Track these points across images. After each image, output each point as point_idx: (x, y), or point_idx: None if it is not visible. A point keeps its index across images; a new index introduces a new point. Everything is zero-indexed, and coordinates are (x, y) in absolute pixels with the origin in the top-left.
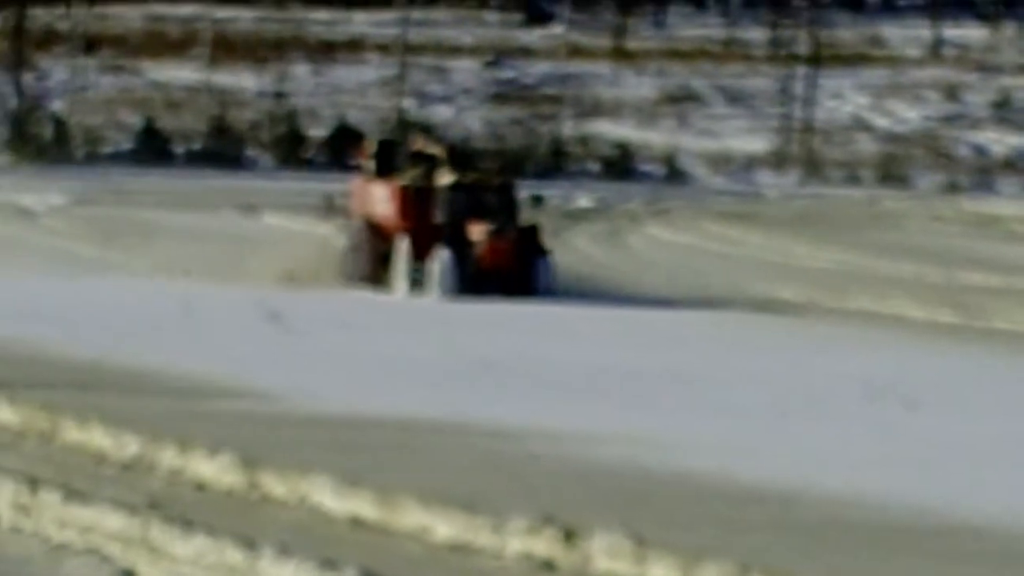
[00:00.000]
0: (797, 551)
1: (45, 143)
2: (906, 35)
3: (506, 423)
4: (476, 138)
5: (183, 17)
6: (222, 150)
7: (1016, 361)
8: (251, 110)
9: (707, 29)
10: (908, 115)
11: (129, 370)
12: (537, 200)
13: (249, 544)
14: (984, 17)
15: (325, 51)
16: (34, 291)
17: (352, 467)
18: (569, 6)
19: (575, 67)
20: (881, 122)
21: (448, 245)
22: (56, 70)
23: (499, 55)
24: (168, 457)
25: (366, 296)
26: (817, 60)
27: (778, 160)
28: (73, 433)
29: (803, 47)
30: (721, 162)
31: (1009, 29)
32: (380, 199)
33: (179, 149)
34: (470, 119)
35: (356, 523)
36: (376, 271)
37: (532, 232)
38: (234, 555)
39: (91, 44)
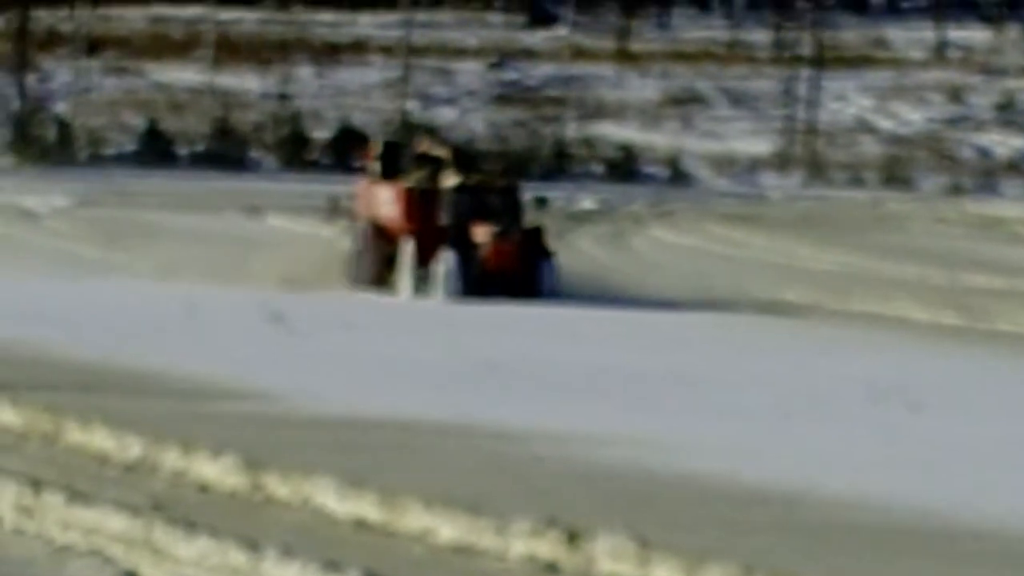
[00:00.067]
0: (801, 553)
1: (48, 145)
2: (910, 37)
3: (510, 425)
4: (480, 140)
5: (187, 19)
6: (226, 152)
7: (1019, 363)
8: (255, 112)
9: (711, 31)
10: (912, 117)
11: (132, 372)
12: (541, 202)
13: (252, 546)
14: (988, 19)
15: (329, 53)
16: (37, 293)
17: (355, 469)
18: (573, 8)
19: (579, 69)
20: (885, 124)
21: (453, 247)
22: (59, 72)
23: (503, 57)
24: (171, 458)
25: (370, 298)
26: (821, 62)
27: (782, 162)
28: (76, 435)
29: (807, 49)
30: (725, 164)
31: (1013, 31)
32: (385, 201)
33: (183, 151)
34: (474, 121)
35: (359, 525)
36: (381, 273)
37: (537, 234)
38: (237, 557)
39: (94, 46)
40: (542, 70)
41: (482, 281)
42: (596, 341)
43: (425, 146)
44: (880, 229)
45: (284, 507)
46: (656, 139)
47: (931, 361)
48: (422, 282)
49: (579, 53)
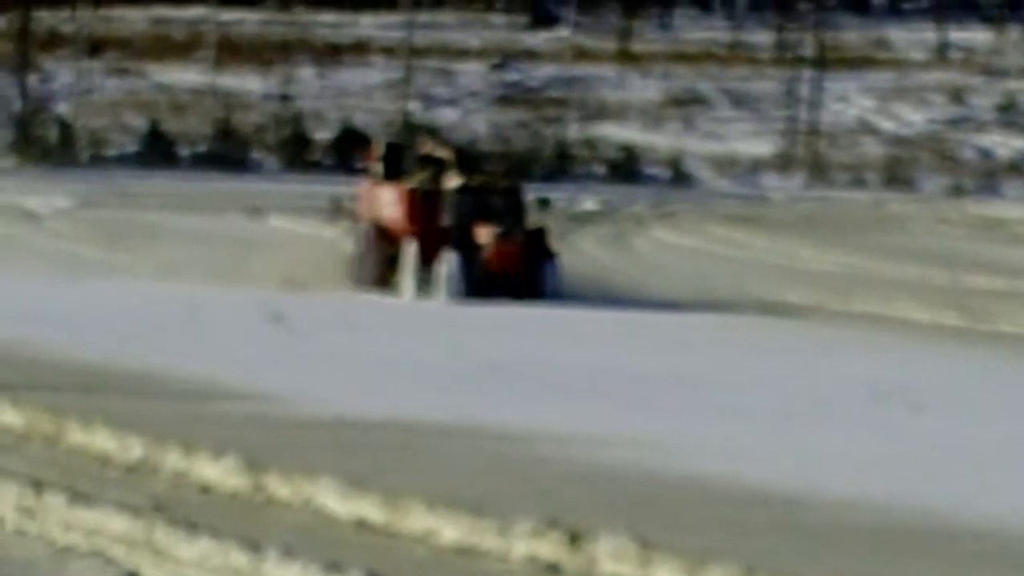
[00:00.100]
0: (803, 554)
1: (50, 145)
2: (911, 38)
3: (513, 426)
4: (482, 141)
5: (188, 20)
6: (227, 153)
7: (1021, 364)
8: (256, 113)
9: (712, 32)
10: (913, 118)
11: (134, 373)
12: (544, 203)
13: (254, 546)
14: (989, 20)
15: (331, 54)
16: (38, 294)
17: (357, 469)
18: (575, 9)
19: (580, 70)
20: (886, 125)
21: (455, 248)
22: (61, 72)
23: (505, 58)
24: (173, 459)
25: (373, 299)
26: (822, 63)
27: (783, 163)
28: (77, 435)
29: (809, 50)
30: (726, 165)
31: (1014, 32)
32: (388, 202)
33: (184, 152)
34: (476, 122)
35: (361, 526)
36: (384, 274)
37: (539, 235)
38: (239, 557)
39: (96, 46)
40: (544, 71)
41: (485, 282)
42: (598, 342)
43: (428, 147)
44: (882, 230)
45: (286, 508)
46: (658, 140)
47: (933, 362)
48: (425, 283)
49: (581, 54)
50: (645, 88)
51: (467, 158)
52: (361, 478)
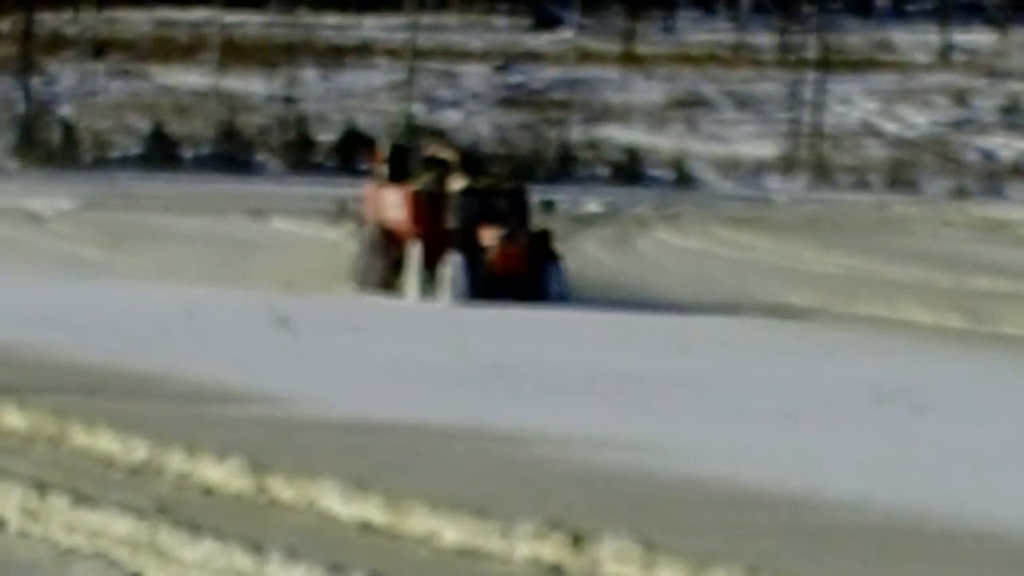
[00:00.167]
0: (805, 555)
1: (53, 147)
2: (915, 40)
3: (517, 428)
4: (485, 142)
5: (192, 22)
6: (231, 155)
7: None
8: (260, 115)
9: (716, 34)
10: (917, 120)
11: (137, 374)
12: (548, 205)
13: (257, 548)
14: (993, 22)
15: (334, 56)
16: (42, 295)
17: (361, 471)
18: (578, 10)
19: (584, 72)
20: (890, 127)
21: (460, 250)
22: (64, 75)
23: (508, 60)
24: (176, 461)
25: (377, 300)
26: (826, 65)
27: (787, 165)
28: (81, 437)
29: (812, 52)
30: (730, 167)
31: (1018, 34)
32: (393, 204)
33: (188, 153)
34: (479, 123)
35: (364, 527)
36: (388, 276)
37: (544, 237)
38: (242, 559)
39: (100, 49)
40: (547, 73)
41: (489, 284)
42: (601, 344)
43: (433, 149)
44: (885, 232)
45: (289, 510)
46: (661, 142)
47: (936, 364)
48: (429, 285)
49: (584, 56)
50: (648, 90)
51: (472, 160)
52: (364, 480)
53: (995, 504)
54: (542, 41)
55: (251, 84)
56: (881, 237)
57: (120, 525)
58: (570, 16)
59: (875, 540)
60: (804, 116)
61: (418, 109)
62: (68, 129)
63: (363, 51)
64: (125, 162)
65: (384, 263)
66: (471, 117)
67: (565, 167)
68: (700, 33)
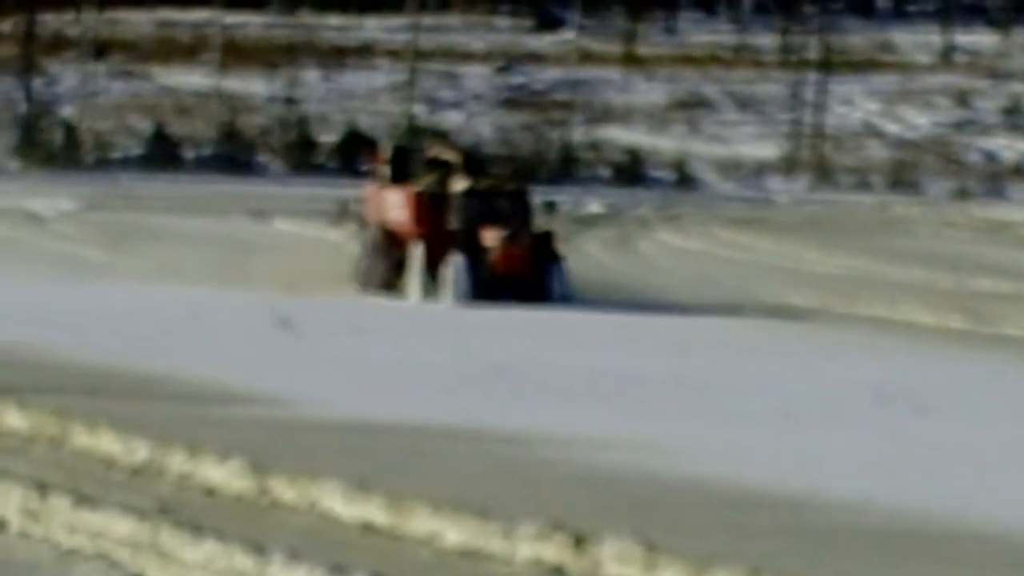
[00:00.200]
0: (807, 557)
1: (55, 148)
2: (916, 41)
3: (519, 429)
4: (487, 143)
5: (193, 22)
6: (232, 155)
7: None
8: (261, 116)
9: (718, 35)
10: (919, 121)
11: (138, 375)
12: (550, 206)
13: (259, 549)
14: (995, 23)
15: (336, 56)
16: (43, 296)
17: (363, 472)
18: (580, 12)
19: (586, 73)
20: (892, 128)
21: (462, 251)
22: (66, 75)
23: (510, 61)
24: (177, 462)
25: (379, 302)
26: (828, 66)
27: (788, 166)
28: (82, 438)
29: (814, 53)
30: (731, 168)
31: (1020, 35)
32: (395, 205)
33: (189, 154)
34: (481, 125)
35: (366, 528)
36: (390, 277)
37: (546, 238)
38: (244, 560)
39: (101, 49)
40: (549, 74)
41: (491, 285)
42: (603, 345)
43: (435, 150)
44: (887, 233)
45: (291, 511)
46: (663, 143)
47: (938, 365)
48: (431, 286)
49: (586, 57)
50: (650, 91)
51: (474, 161)
52: (366, 481)
53: (997, 505)
54: (544, 42)
55: (252, 85)
56: (883, 238)
57: (121, 526)
58: (572, 17)
59: (877, 541)
60: (805, 117)
61: (420, 110)
62: (69, 130)
63: (365, 52)
64: (126, 163)
65: (386, 264)
66: (473, 118)
67: (567, 168)
68: (701, 34)
